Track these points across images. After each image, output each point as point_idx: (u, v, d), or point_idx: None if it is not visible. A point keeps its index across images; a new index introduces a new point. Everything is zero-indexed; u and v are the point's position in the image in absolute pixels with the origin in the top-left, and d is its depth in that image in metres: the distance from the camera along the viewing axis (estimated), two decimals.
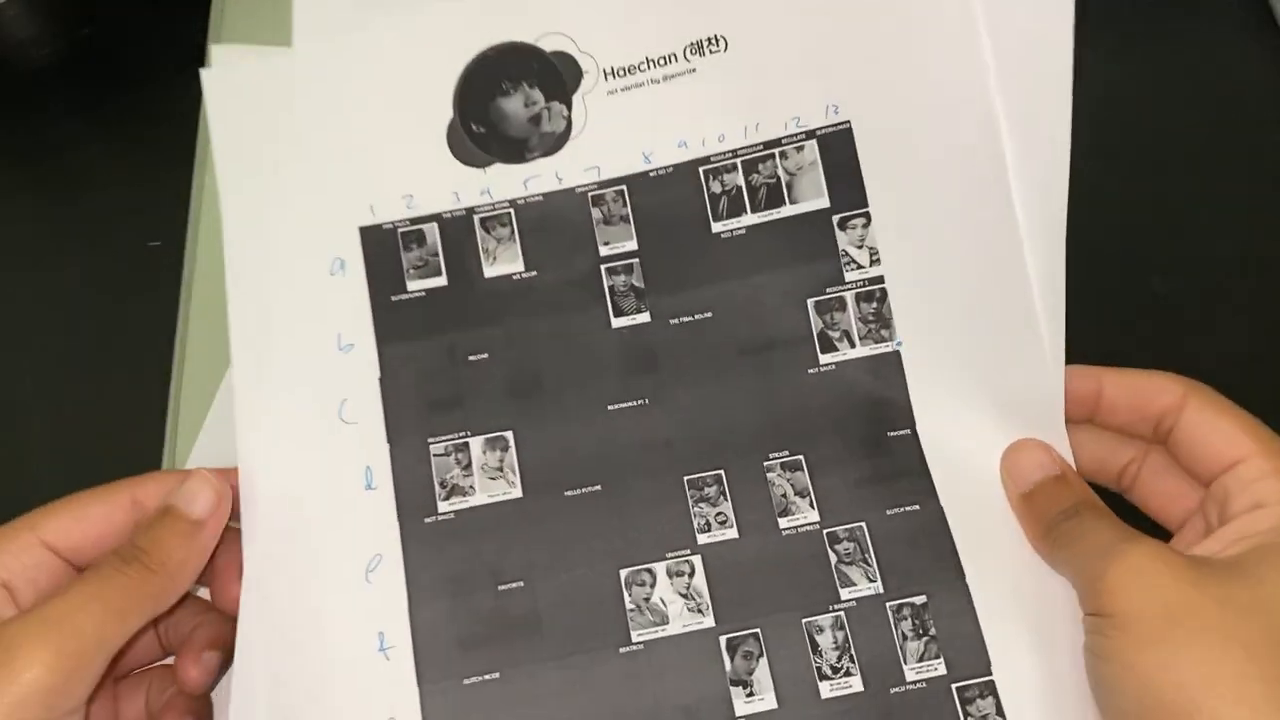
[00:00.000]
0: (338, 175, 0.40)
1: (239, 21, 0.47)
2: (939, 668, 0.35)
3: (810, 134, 0.39)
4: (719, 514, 0.37)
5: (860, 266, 0.38)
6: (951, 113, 0.38)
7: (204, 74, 0.40)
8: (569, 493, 0.37)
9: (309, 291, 0.39)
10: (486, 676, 0.35)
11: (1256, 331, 0.47)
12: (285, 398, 0.38)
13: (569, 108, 0.40)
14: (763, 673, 0.35)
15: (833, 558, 0.36)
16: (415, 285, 0.39)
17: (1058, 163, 0.36)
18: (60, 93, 0.53)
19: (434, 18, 0.41)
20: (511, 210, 0.40)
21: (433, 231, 0.40)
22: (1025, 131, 0.37)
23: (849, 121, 0.39)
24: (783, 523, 0.36)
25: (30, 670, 0.30)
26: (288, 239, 0.39)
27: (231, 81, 0.40)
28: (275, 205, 0.39)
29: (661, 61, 0.40)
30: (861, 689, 0.35)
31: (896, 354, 0.38)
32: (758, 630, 0.36)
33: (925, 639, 0.35)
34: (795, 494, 0.37)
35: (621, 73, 0.40)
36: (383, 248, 0.39)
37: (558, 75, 0.40)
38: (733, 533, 0.37)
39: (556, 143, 0.40)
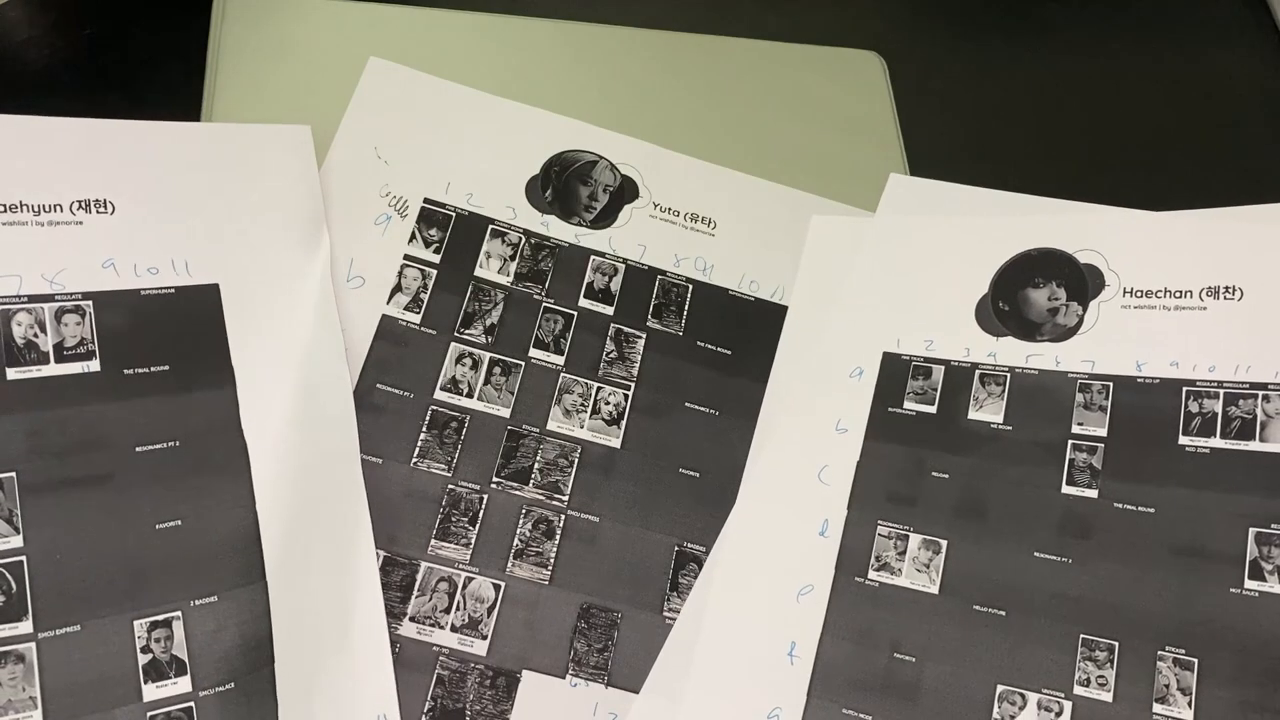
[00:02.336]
0: (880, 310, 0.49)
1: (240, 33, 0.50)
2: None
3: None
4: (1100, 676, 0.42)
5: None
6: None
7: (815, 219, 0.52)
8: (977, 607, 0.43)
9: (830, 386, 0.48)
10: (861, 715, 0.43)
11: None
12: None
13: (1084, 309, 0.48)
14: None
15: None
16: (910, 405, 0.47)
17: None
18: (60, 93, 0.48)
19: (998, 219, 0.50)
20: (1008, 375, 0.47)
21: (939, 371, 0.48)
22: None
23: None
24: (1156, 707, 0.41)
25: None
26: (827, 345, 0.49)
27: (831, 231, 0.52)
28: (829, 317, 0.50)
29: (1177, 294, 0.46)
30: None
31: None
32: None
33: None
34: (1178, 688, 0.41)
35: (1139, 294, 0.47)
36: (895, 372, 0.48)
37: (1084, 282, 0.48)
38: (1107, 696, 0.42)
39: (1065, 334, 0.48)
